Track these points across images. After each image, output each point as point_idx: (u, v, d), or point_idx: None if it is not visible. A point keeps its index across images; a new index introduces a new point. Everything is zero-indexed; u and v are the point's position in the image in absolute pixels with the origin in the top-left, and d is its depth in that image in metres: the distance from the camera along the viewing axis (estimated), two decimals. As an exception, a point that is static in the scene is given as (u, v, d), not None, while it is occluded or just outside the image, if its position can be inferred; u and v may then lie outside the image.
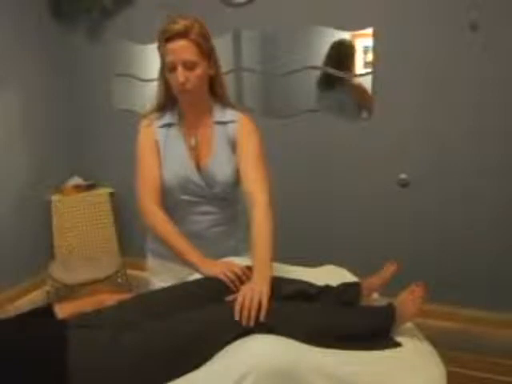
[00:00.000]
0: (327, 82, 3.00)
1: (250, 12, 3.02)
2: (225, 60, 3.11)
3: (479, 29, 2.53)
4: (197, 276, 1.76)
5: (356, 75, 2.89)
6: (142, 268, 2.35)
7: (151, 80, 3.25)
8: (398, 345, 1.51)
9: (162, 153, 1.81)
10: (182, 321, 1.47)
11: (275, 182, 3.10)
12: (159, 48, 1.68)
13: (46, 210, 3.47)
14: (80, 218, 3.45)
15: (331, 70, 2.91)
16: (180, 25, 1.61)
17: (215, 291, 1.62)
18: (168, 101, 1.80)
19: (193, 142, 1.80)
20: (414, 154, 2.83)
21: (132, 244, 3.47)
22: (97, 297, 1.71)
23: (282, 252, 2.38)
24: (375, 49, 2.78)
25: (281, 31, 2.96)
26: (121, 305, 1.62)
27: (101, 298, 1.68)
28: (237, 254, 1.91)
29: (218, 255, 1.83)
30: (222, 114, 1.82)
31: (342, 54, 2.89)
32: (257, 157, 1.77)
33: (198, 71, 1.65)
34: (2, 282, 3.24)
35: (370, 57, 2.82)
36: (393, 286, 1.72)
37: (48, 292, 3.40)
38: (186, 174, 1.78)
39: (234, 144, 1.80)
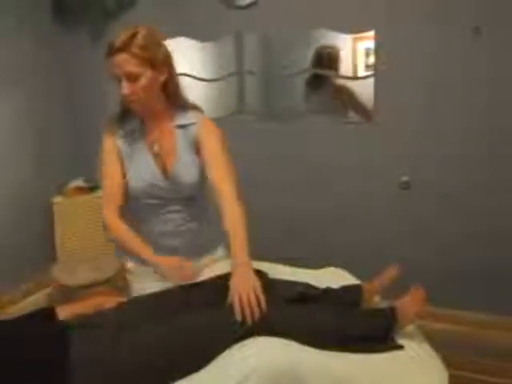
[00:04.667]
0: (320, 84, 3.01)
1: (252, 14, 3.01)
2: (226, 63, 3.16)
3: (483, 30, 2.53)
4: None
5: (357, 78, 2.88)
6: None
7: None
8: (399, 347, 1.51)
9: (127, 162, 1.82)
10: (184, 322, 1.48)
11: (276, 183, 3.13)
12: (105, 60, 1.70)
13: (48, 211, 3.47)
14: (82, 220, 3.45)
15: (333, 73, 2.92)
16: (119, 39, 1.63)
17: (214, 294, 1.63)
18: (128, 108, 1.80)
19: (156, 148, 1.81)
20: (416, 157, 2.82)
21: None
22: (98, 299, 1.72)
23: (284, 254, 2.39)
24: (377, 51, 2.78)
25: (283, 34, 2.96)
26: (122, 307, 1.62)
27: (102, 300, 1.69)
28: (213, 246, 1.97)
29: (196, 249, 1.90)
30: (182, 117, 1.83)
31: (327, 59, 2.92)
32: (220, 154, 1.79)
33: (143, 81, 1.66)
34: (3, 283, 3.24)
35: (371, 59, 2.82)
36: (394, 289, 1.72)
37: (50, 294, 3.41)
38: (152, 180, 1.79)
39: (197, 145, 1.82)
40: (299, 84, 3.03)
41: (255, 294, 1.47)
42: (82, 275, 3.13)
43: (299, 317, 1.54)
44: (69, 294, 3.11)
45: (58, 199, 3.48)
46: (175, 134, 1.82)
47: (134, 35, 1.63)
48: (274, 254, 2.22)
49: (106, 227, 1.85)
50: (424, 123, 2.77)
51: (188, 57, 3.21)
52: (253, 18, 3.02)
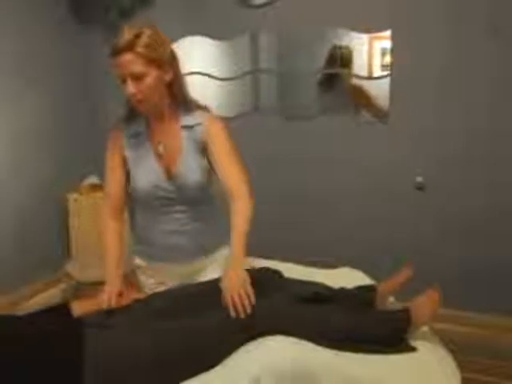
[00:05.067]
0: (334, 84, 3.01)
1: (268, 13, 3.01)
2: (242, 61, 3.16)
3: (499, 31, 2.52)
4: (207, 278, 1.80)
5: (372, 77, 2.88)
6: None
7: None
8: (413, 349, 1.51)
9: (132, 163, 1.83)
10: (196, 322, 1.48)
11: (291, 182, 3.12)
12: (110, 61, 1.68)
13: (63, 208, 3.50)
14: (96, 217, 3.47)
15: (346, 72, 2.91)
16: (124, 39, 1.61)
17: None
18: (134, 109, 1.80)
19: (161, 149, 1.81)
20: (431, 157, 2.80)
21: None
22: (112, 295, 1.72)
23: (298, 254, 2.39)
24: (393, 51, 2.76)
25: (298, 33, 2.96)
26: (136, 304, 1.63)
27: (116, 297, 1.69)
28: (221, 244, 1.96)
29: (202, 248, 1.91)
30: (188, 117, 1.81)
31: (340, 58, 2.92)
32: (229, 153, 1.79)
33: (148, 81, 1.66)
34: (18, 278, 3.27)
35: (387, 59, 2.81)
36: (409, 290, 1.71)
37: (64, 290, 3.43)
38: (156, 181, 1.79)
39: (203, 146, 1.81)
40: (315, 83, 3.03)
41: (244, 289, 1.51)
42: (97, 271, 3.14)
43: (313, 317, 1.54)
44: (83, 289, 3.14)
45: (72, 196, 3.51)
46: (180, 135, 1.81)
47: (138, 35, 1.62)
48: (284, 254, 2.22)
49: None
50: (440, 123, 2.75)
51: (204, 55, 3.22)
52: (269, 17, 3.02)
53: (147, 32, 1.64)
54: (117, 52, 1.63)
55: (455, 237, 2.84)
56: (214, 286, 1.69)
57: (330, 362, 1.39)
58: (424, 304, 1.59)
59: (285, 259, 2.04)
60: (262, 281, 1.69)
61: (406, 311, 1.57)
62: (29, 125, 3.32)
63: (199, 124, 1.80)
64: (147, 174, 1.80)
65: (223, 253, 1.97)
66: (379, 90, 2.87)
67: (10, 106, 3.18)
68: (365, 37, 2.82)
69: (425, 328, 1.63)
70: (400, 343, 1.53)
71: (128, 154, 1.83)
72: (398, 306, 1.71)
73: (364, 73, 2.89)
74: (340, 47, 2.92)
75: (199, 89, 3.27)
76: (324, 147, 3.05)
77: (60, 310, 1.60)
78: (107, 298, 1.67)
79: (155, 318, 1.52)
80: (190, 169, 1.79)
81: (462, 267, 2.83)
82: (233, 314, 1.47)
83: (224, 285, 1.56)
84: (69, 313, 1.58)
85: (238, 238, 1.67)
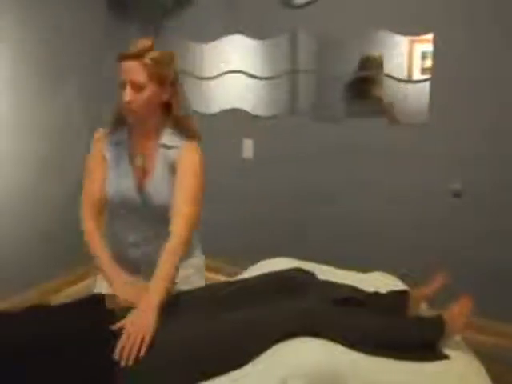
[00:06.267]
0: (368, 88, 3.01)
1: (309, 14, 3.01)
2: (281, 61, 3.16)
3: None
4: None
5: (412, 81, 2.85)
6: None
7: (209, 78, 3.33)
8: (445, 357, 1.49)
9: (109, 170, 1.84)
10: (226, 321, 1.49)
11: (325, 185, 3.11)
12: (118, 64, 1.71)
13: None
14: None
15: (381, 76, 2.89)
16: (135, 47, 1.67)
17: (254, 293, 1.64)
18: (122, 117, 1.81)
19: (139, 161, 1.82)
20: (470, 162, 2.75)
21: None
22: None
23: (333, 257, 2.38)
24: (435, 55, 2.73)
25: (338, 34, 2.94)
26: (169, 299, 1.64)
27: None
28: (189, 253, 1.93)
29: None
30: (169, 138, 1.81)
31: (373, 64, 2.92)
32: (189, 189, 1.74)
33: (146, 93, 1.69)
34: (53, 269, 3.33)
35: (428, 63, 2.77)
36: (442, 297, 1.70)
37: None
38: (126, 192, 1.79)
39: (174, 168, 1.79)
40: (352, 85, 3.01)
41: (143, 337, 1.40)
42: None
43: (345, 320, 1.53)
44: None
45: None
46: (157, 153, 1.81)
47: (151, 47, 1.67)
48: (319, 256, 2.22)
49: (83, 229, 1.89)
50: (480, 128, 2.70)
51: (243, 54, 3.23)
52: (309, 18, 3.01)
53: (160, 50, 1.70)
54: (125, 57, 1.67)
55: (488, 242, 2.79)
56: (244, 284, 1.70)
57: (359, 365, 1.38)
58: (457, 312, 1.57)
59: (316, 261, 2.04)
60: (294, 281, 1.70)
61: (439, 319, 1.56)
62: (59, 122, 3.36)
63: (176, 147, 1.79)
64: (118, 182, 1.81)
65: (195, 261, 1.98)
66: (418, 94, 2.84)
67: (41, 105, 3.23)
68: (405, 39, 2.79)
69: (457, 337, 1.61)
70: (432, 351, 1.51)
71: (107, 160, 1.85)
72: (431, 313, 1.69)
73: (403, 76, 2.86)
74: (371, 55, 2.92)
75: (237, 87, 3.32)
76: (359, 149, 3.03)
77: (94, 301, 1.63)
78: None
79: (188, 314, 1.53)
80: (159, 187, 1.78)
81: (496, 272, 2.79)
82: (117, 355, 1.37)
83: (128, 322, 1.46)
84: (103, 304, 1.61)
85: (160, 280, 1.58)
